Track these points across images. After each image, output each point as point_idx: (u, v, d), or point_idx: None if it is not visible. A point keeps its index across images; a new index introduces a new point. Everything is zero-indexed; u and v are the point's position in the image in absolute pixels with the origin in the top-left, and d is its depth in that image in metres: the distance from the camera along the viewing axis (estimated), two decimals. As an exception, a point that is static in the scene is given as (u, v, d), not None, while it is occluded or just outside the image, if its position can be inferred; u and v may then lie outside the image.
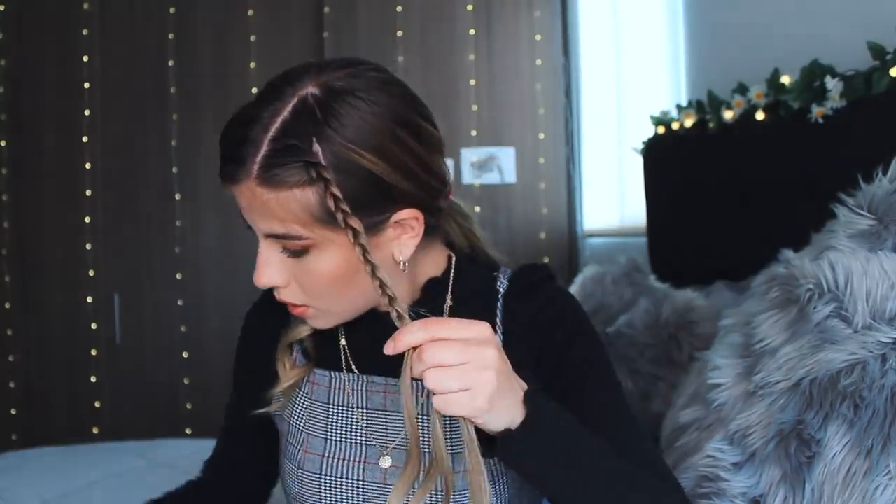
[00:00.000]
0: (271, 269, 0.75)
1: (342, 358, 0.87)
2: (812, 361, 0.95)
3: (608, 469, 0.70)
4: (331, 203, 0.69)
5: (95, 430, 2.67)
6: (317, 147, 0.69)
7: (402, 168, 0.73)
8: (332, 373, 0.86)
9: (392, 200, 0.74)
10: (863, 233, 1.02)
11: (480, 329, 0.65)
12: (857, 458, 0.88)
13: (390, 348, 0.65)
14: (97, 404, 2.69)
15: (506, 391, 0.65)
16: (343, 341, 0.88)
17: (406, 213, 0.75)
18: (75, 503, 1.61)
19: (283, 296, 0.78)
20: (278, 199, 0.70)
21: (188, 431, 2.68)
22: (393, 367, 0.82)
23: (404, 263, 0.78)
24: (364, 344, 0.87)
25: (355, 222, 0.69)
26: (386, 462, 0.83)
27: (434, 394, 0.64)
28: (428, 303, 0.84)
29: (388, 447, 0.83)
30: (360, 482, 0.82)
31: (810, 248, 1.09)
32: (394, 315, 0.69)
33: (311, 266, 0.74)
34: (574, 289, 1.96)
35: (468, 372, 0.63)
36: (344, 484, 0.82)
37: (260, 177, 0.70)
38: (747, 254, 1.43)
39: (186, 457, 1.90)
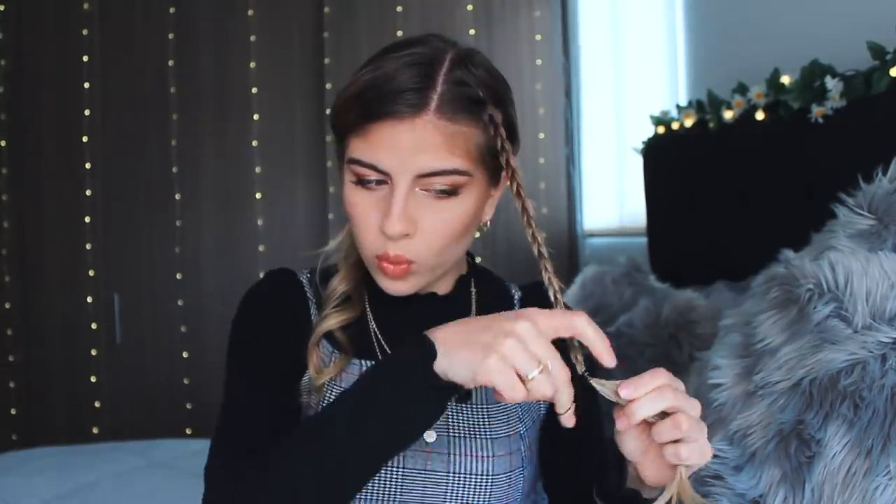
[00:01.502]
0: (407, 217, 0.76)
1: (375, 348, 0.87)
2: (812, 361, 0.95)
3: None
4: (500, 144, 0.77)
5: (95, 430, 2.67)
6: (484, 90, 0.77)
7: (517, 127, 0.83)
8: (362, 361, 0.86)
9: (512, 154, 0.81)
10: (863, 233, 1.02)
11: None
12: (857, 458, 0.88)
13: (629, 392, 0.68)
14: (97, 404, 2.69)
15: None
16: (374, 326, 0.88)
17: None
18: (75, 503, 1.61)
19: (400, 249, 0.77)
20: (454, 132, 0.75)
21: (188, 431, 2.68)
22: None
23: (486, 224, 0.84)
24: (394, 332, 0.88)
25: (516, 164, 0.78)
26: (431, 436, 0.83)
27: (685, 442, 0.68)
28: (459, 297, 0.89)
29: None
30: (401, 469, 0.82)
31: (810, 248, 1.09)
32: (542, 268, 0.75)
33: (452, 208, 0.77)
34: (574, 289, 1.96)
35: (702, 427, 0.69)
36: (383, 472, 0.82)
37: (440, 110, 0.74)
38: (747, 254, 1.43)
39: (186, 457, 1.90)
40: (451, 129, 0.74)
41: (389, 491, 0.82)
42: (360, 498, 0.82)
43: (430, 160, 0.74)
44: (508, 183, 0.79)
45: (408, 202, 0.76)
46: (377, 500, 0.82)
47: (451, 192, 0.77)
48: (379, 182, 0.77)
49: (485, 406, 0.85)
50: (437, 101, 0.74)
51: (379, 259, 0.78)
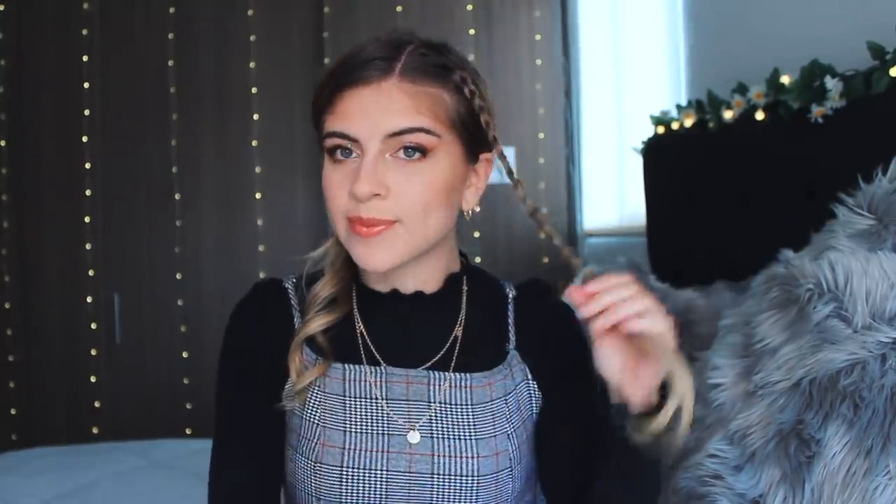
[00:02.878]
0: (376, 179, 0.78)
1: (360, 350, 0.87)
2: (812, 361, 0.95)
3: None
4: (483, 115, 0.80)
5: (95, 430, 2.67)
6: (458, 60, 0.82)
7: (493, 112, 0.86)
8: (346, 365, 0.86)
9: (486, 140, 0.84)
10: (862, 233, 1.02)
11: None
12: (857, 458, 0.88)
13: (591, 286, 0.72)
14: (97, 404, 2.68)
15: None
16: (360, 327, 0.88)
17: (488, 154, 0.85)
18: (75, 503, 1.61)
19: (374, 210, 0.78)
20: (418, 92, 0.78)
21: (188, 431, 2.68)
22: (409, 358, 0.87)
23: (469, 213, 0.86)
24: (381, 332, 0.88)
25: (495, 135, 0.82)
26: (415, 437, 0.83)
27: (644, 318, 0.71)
28: (448, 295, 0.89)
29: (415, 424, 0.84)
30: (385, 471, 0.82)
31: (810, 248, 1.09)
32: (542, 227, 0.81)
33: (423, 171, 0.79)
34: (574, 289, 1.95)
35: (661, 315, 0.72)
36: (367, 475, 0.82)
37: (403, 73, 0.78)
38: (747, 254, 1.43)
39: (186, 457, 1.90)
40: (415, 90, 0.78)
41: (376, 493, 0.82)
42: (348, 501, 0.82)
43: (396, 120, 0.77)
44: (494, 145, 0.83)
45: (377, 166, 0.78)
46: (364, 502, 0.82)
47: (420, 151, 0.78)
48: (350, 153, 0.80)
49: (469, 406, 0.85)
50: (400, 67, 0.79)
51: (350, 222, 0.79)
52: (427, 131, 0.78)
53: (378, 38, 0.81)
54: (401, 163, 0.79)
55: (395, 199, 0.78)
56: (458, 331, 0.89)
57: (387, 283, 0.88)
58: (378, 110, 0.78)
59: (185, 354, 2.71)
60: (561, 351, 0.88)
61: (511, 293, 0.95)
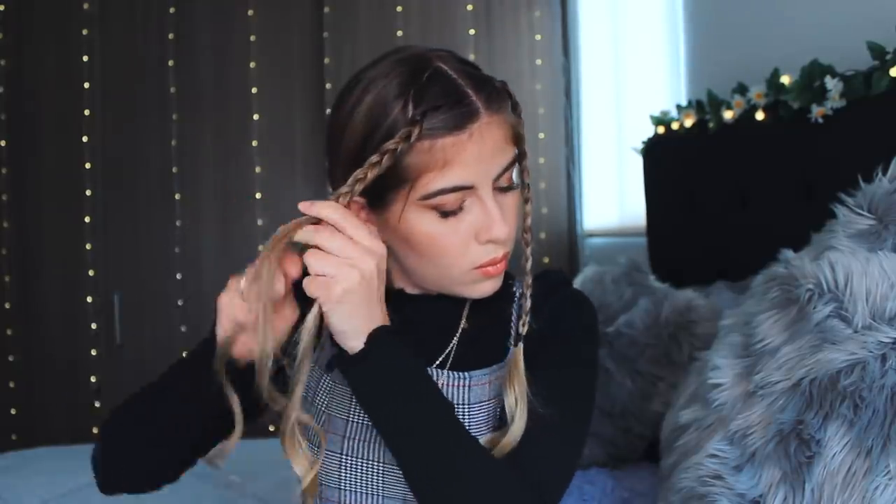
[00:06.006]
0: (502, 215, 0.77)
1: None
2: (812, 361, 0.95)
3: (442, 433, 0.74)
4: (520, 127, 0.78)
5: (95, 430, 2.67)
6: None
7: None
8: None
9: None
10: (863, 233, 1.02)
11: (377, 244, 0.73)
12: (857, 458, 0.88)
13: (306, 207, 0.75)
14: (97, 404, 2.69)
15: (363, 302, 0.72)
16: None
17: None
18: (75, 503, 1.61)
19: (503, 248, 0.80)
20: (502, 122, 0.76)
21: (188, 431, 2.68)
22: (418, 355, 0.84)
23: None
24: None
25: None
26: None
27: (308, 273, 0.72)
28: (451, 297, 0.86)
29: None
30: (381, 464, 0.83)
31: (810, 248, 1.09)
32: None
33: (514, 195, 0.79)
34: (574, 289, 1.96)
35: (342, 264, 0.71)
36: (363, 465, 0.84)
37: (490, 105, 0.75)
38: (747, 254, 1.43)
39: (186, 457, 1.90)
40: (500, 119, 0.76)
41: (373, 482, 0.83)
42: (346, 490, 0.83)
43: (499, 158, 0.76)
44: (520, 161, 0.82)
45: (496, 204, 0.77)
46: (361, 493, 0.83)
47: (511, 184, 0.79)
48: (459, 207, 0.77)
49: (465, 405, 0.84)
50: (482, 96, 0.75)
51: (481, 268, 0.80)
52: (514, 160, 0.78)
53: (438, 73, 0.74)
54: (499, 195, 0.78)
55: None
56: (463, 327, 0.88)
57: (394, 284, 0.87)
58: (488, 155, 0.75)
59: (184, 354, 2.70)
60: (545, 337, 0.85)
61: (518, 291, 0.92)
